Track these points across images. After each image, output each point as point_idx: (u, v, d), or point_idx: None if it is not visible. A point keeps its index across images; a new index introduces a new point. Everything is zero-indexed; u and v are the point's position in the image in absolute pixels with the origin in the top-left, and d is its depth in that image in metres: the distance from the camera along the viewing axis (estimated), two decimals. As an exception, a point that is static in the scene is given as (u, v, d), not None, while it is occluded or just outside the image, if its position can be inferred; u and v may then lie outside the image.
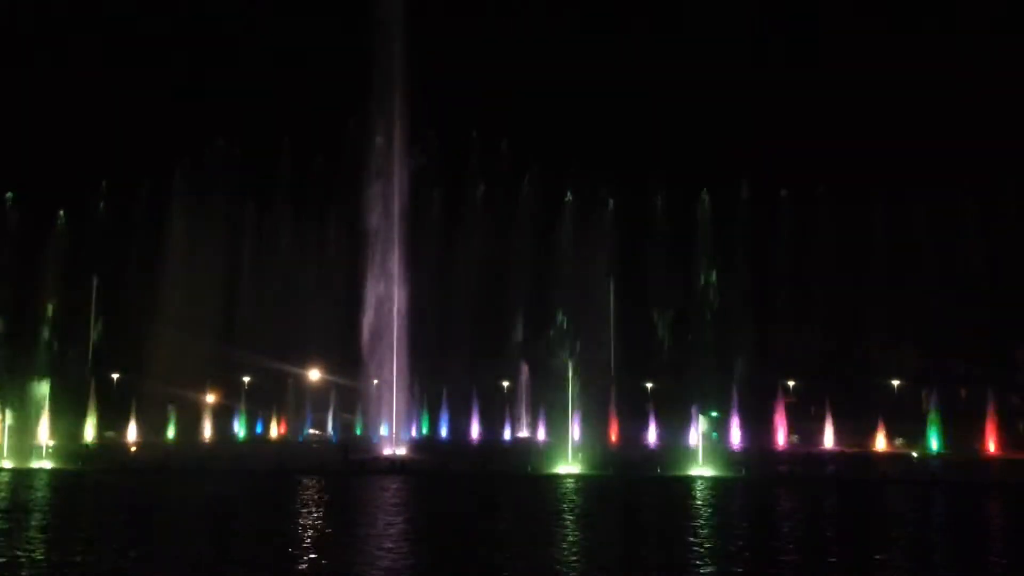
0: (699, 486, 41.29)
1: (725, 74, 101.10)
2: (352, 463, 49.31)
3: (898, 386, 62.79)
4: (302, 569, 22.10)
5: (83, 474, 46.98)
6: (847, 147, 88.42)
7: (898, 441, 58.61)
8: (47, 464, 49.61)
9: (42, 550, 24.77)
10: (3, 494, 38.30)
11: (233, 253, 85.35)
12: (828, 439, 63.25)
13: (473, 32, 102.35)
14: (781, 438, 64.55)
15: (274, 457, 52.07)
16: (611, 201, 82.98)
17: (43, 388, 57.14)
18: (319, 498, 37.99)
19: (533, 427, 78.08)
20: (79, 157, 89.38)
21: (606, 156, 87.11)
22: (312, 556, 23.76)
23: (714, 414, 63.33)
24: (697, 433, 53.46)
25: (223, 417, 71.98)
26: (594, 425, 61.76)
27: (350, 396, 72.73)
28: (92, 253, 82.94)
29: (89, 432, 64.82)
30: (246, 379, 79.49)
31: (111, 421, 66.97)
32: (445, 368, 77.20)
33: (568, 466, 47.70)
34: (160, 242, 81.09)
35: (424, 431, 73.71)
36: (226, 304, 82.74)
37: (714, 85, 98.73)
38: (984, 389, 59.46)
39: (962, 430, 57.22)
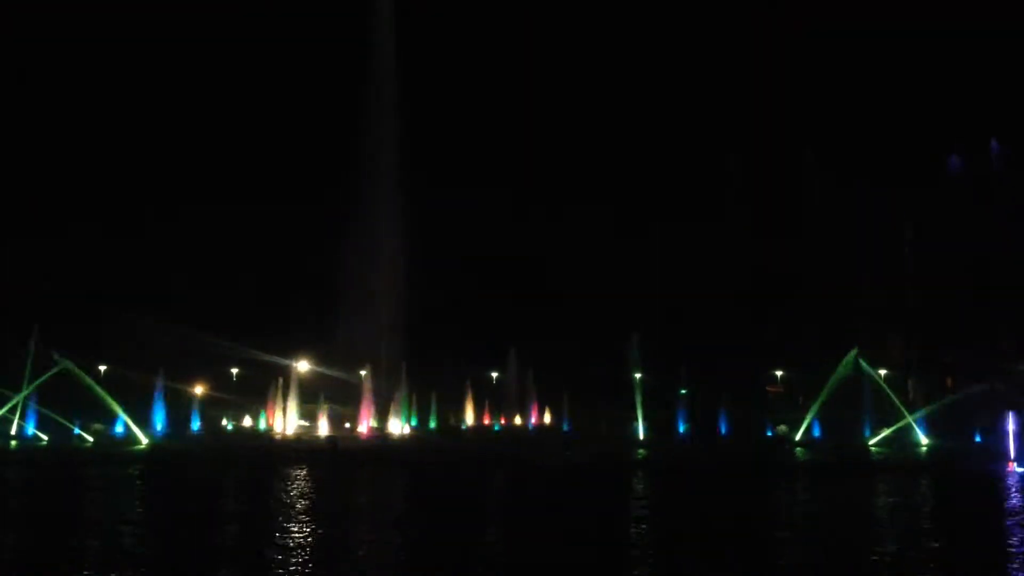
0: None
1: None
2: (341, 454, 49.31)
3: (884, 375, 62.92)
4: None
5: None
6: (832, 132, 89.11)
7: (885, 431, 58.83)
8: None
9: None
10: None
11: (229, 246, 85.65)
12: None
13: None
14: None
15: (262, 448, 52.06)
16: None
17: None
18: (305, 489, 37.92)
19: (524, 416, 78.36)
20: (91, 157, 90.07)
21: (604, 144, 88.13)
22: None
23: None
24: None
25: (211, 408, 71.83)
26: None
27: (340, 387, 72.71)
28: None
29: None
30: (234, 370, 79.39)
31: (100, 413, 66.69)
32: (436, 358, 77.30)
33: None
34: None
35: (414, 422, 73.75)
36: (218, 296, 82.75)
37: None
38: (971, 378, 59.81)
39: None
